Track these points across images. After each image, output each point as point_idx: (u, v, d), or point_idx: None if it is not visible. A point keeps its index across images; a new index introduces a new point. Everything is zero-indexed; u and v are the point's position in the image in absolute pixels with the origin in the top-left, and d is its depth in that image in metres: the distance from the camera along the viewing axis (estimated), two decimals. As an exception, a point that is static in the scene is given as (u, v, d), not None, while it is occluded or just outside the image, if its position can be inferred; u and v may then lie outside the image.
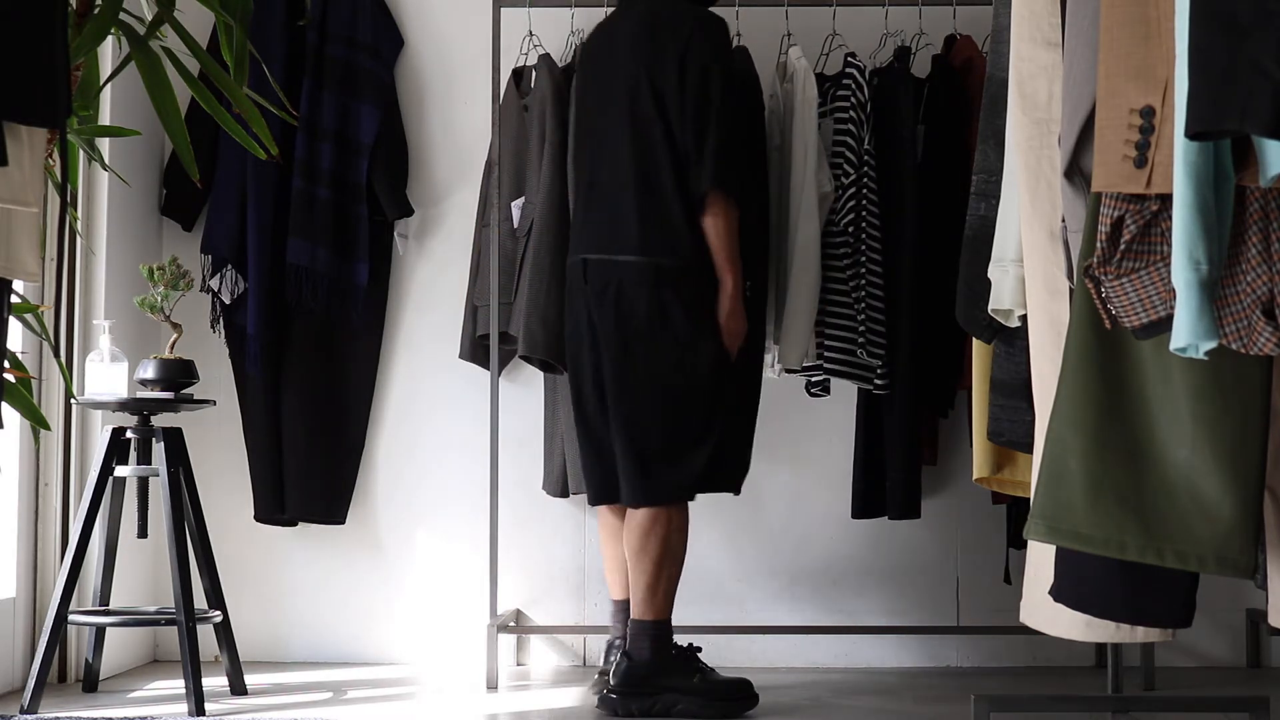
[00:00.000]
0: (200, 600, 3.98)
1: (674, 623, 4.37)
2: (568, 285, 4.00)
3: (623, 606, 4.08)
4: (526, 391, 4.69)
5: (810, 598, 4.70)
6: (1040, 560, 2.95)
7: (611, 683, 3.81)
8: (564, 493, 4.54)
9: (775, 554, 4.72)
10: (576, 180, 4.08)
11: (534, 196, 4.35)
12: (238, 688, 4.06)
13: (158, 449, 3.95)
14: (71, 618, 3.94)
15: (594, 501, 4.04)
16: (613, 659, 3.99)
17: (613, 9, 4.15)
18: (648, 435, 3.83)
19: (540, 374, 4.58)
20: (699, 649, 3.94)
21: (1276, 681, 4.38)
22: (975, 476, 3.60)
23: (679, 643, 3.91)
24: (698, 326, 3.84)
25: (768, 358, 4.36)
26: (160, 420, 4.06)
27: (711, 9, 4.00)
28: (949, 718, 3.85)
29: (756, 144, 4.30)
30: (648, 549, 3.82)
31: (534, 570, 4.73)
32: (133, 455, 4.02)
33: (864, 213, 4.30)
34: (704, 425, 3.86)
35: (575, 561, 4.67)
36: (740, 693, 3.87)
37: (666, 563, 3.83)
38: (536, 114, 4.40)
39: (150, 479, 4.09)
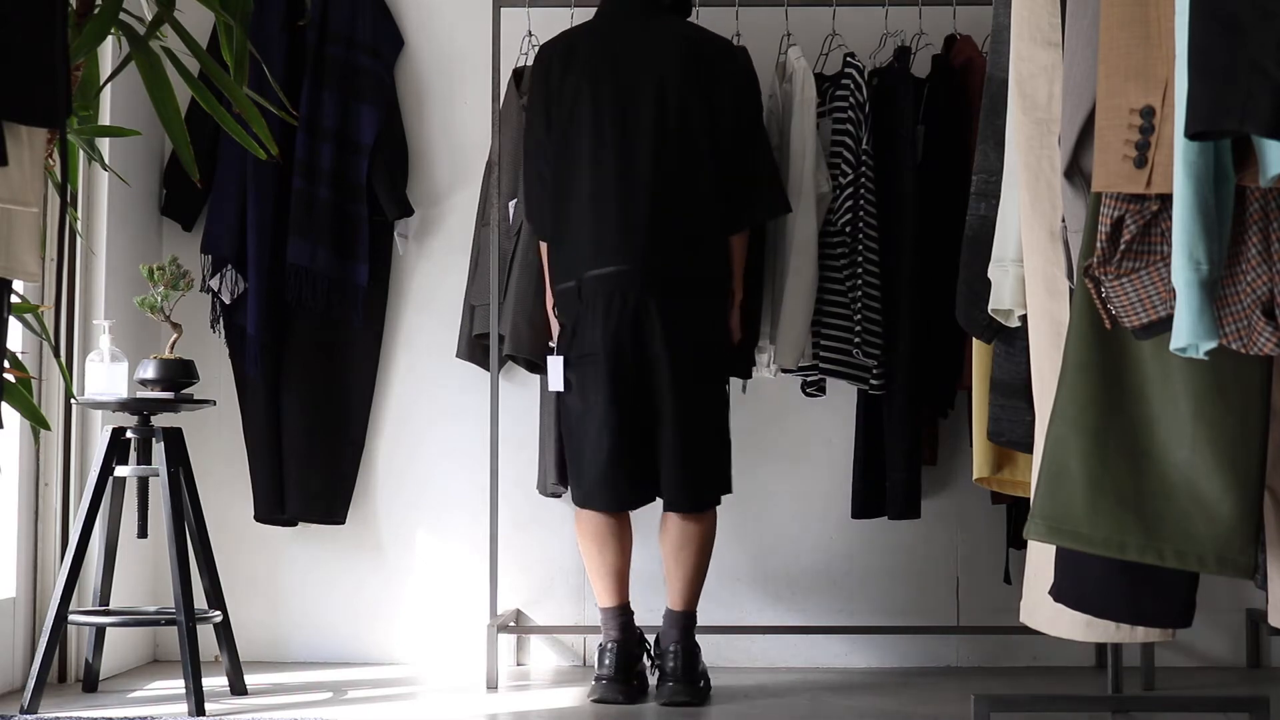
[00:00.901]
0: (200, 600, 3.98)
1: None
2: (581, 293, 3.99)
3: (616, 612, 4.07)
4: (526, 391, 4.69)
5: (810, 598, 4.71)
6: (1040, 560, 2.95)
7: (673, 671, 3.98)
8: (558, 494, 4.53)
9: (775, 554, 4.72)
10: (579, 187, 4.04)
11: (526, 196, 4.36)
12: (238, 688, 4.06)
13: (158, 449, 3.95)
14: (71, 618, 3.94)
15: (617, 508, 4.04)
16: (607, 662, 4.00)
17: (588, 20, 4.21)
18: (713, 440, 4.06)
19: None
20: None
21: (1276, 681, 4.38)
22: (975, 476, 3.60)
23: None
24: (727, 335, 4.11)
25: (763, 357, 4.37)
26: (160, 420, 4.06)
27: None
28: (949, 718, 3.85)
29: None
30: (704, 546, 4.07)
31: (534, 570, 4.73)
32: (133, 455, 4.02)
33: (861, 213, 4.30)
34: (725, 427, 4.15)
35: (575, 561, 4.66)
36: None
37: (710, 555, 4.12)
38: (536, 114, 4.40)
39: (150, 479, 4.09)
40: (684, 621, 4.05)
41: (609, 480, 4.00)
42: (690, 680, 4.00)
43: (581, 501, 4.08)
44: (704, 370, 4.04)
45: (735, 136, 4.05)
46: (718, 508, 4.10)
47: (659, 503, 4.07)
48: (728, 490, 4.12)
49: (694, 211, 4.02)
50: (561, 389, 4.08)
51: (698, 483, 4.02)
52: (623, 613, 4.07)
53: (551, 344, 4.16)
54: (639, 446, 4.00)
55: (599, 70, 4.06)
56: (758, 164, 4.08)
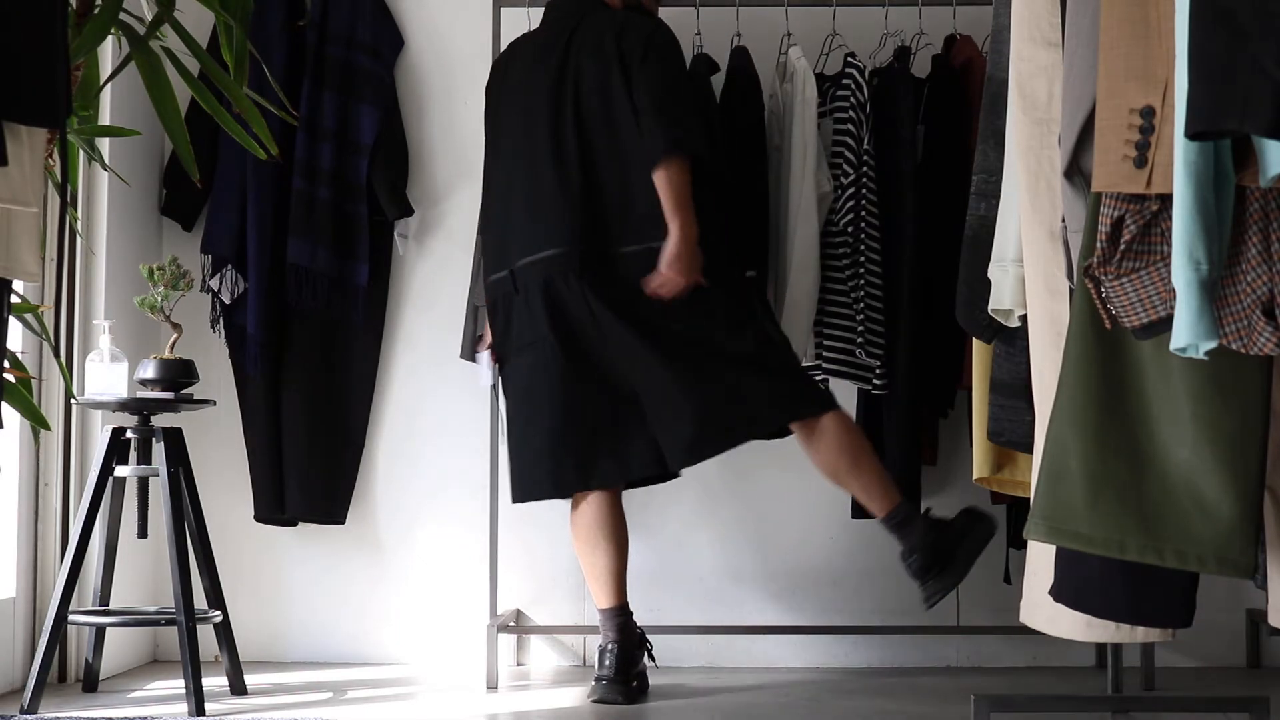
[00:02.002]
0: (200, 600, 3.98)
1: (671, 623, 4.39)
2: (515, 281, 4.02)
3: (614, 613, 4.06)
4: (526, 391, 4.69)
5: (810, 598, 4.70)
6: (1040, 560, 2.95)
7: (921, 563, 3.91)
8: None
9: (775, 554, 4.72)
10: (510, 181, 4.11)
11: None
12: (238, 688, 4.06)
13: (158, 449, 3.95)
14: (71, 618, 3.94)
15: (557, 492, 4.04)
16: (607, 663, 3.99)
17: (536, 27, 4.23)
18: (721, 371, 3.94)
19: (540, 374, 4.58)
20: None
21: (1276, 681, 4.37)
22: (975, 476, 3.60)
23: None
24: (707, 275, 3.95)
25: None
26: (160, 420, 4.06)
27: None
28: (949, 718, 3.85)
29: (754, 144, 4.34)
30: (850, 449, 3.97)
31: (534, 570, 4.73)
32: (133, 455, 4.01)
33: (863, 213, 4.30)
34: (771, 346, 4.01)
35: (575, 561, 4.65)
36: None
37: (862, 454, 3.99)
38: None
39: (150, 479, 4.09)
40: (895, 517, 3.96)
41: (553, 459, 3.99)
42: (944, 549, 3.92)
43: (518, 495, 4.08)
44: (672, 323, 3.93)
45: (639, 87, 3.96)
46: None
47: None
48: (824, 401, 4.02)
49: (628, 185, 3.96)
50: (491, 382, 4.14)
51: (721, 412, 3.93)
52: (620, 613, 4.06)
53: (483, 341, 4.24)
54: (590, 425, 3.97)
55: (531, 70, 4.10)
56: (649, 102, 3.93)
